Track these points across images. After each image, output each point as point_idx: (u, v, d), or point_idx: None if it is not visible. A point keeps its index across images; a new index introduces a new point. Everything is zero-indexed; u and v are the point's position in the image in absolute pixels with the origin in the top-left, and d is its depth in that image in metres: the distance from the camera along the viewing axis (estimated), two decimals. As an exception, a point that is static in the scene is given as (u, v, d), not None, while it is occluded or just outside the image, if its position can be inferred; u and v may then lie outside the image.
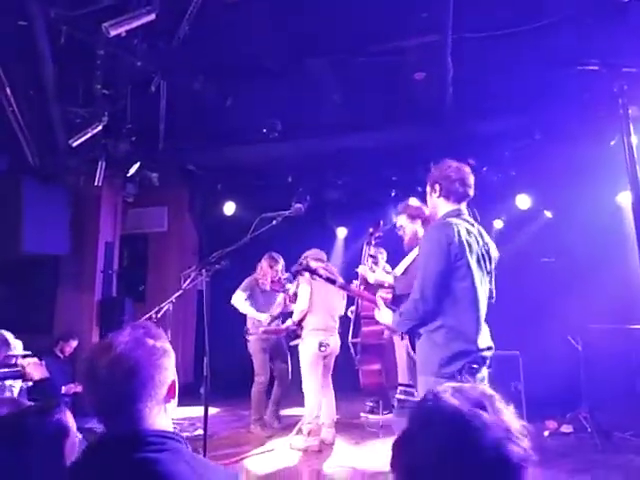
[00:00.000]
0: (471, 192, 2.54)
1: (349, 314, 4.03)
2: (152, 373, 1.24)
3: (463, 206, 2.54)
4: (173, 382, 1.30)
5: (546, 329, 5.82)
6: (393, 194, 6.61)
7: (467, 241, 2.37)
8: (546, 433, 4.89)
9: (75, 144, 4.84)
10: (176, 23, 3.70)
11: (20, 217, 5.55)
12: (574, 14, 3.25)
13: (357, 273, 3.96)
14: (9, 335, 4.05)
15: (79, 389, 5.96)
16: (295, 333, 4.89)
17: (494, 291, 2.65)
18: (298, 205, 3.93)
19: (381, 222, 3.75)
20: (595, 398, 4.88)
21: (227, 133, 5.63)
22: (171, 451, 1.19)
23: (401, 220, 3.48)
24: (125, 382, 1.21)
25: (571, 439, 4.74)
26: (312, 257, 4.91)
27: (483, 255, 2.45)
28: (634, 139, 2.39)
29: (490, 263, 2.53)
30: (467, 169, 2.57)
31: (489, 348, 2.41)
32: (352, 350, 3.96)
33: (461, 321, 2.34)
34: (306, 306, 4.71)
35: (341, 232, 8.09)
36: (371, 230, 3.79)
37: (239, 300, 5.53)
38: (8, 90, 4.41)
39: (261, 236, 3.65)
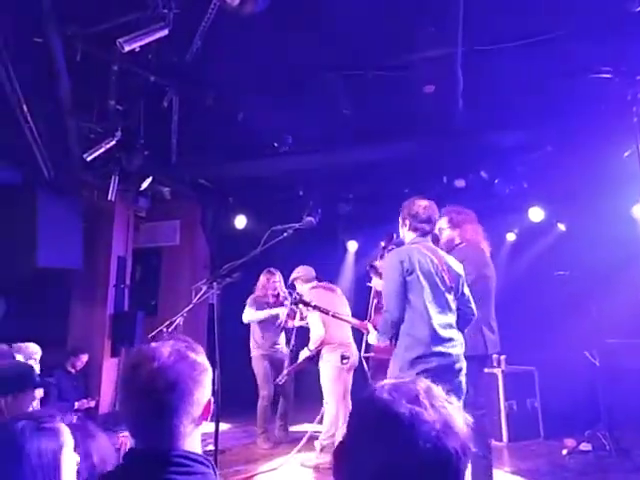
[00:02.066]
0: (435, 228, 3.12)
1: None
2: (192, 388, 1.21)
3: (427, 238, 3.03)
4: (209, 402, 1.27)
5: (562, 344, 5.72)
6: (404, 207, 6.58)
7: (418, 260, 2.81)
8: (564, 452, 4.77)
9: (89, 158, 4.90)
10: (189, 38, 3.75)
11: (34, 231, 5.60)
12: (586, 25, 3.24)
13: (369, 287, 3.95)
14: (35, 348, 4.14)
15: (92, 404, 5.98)
16: (312, 360, 4.80)
17: (474, 309, 3.02)
18: (309, 218, 3.94)
19: (394, 235, 3.72)
20: (614, 415, 4.77)
21: (239, 147, 5.67)
22: (198, 475, 1.16)
23: (441, 223, 3.72)
24: (165, 394, 1.18)
25: (590, 458, 4.62)
26: (302, 279, 4.92)
27: (436, 272, 2.85)
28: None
29: (450, 280, 2.90)
30: (434, 207, 3.06)
31: (450, 355, 2.75)
32: (365, 365, 3.94)
33: (417, 329, 2.74)
34: (323, 332, 4.62)
35: (352, 246, 8.07)
36: (383, 244, 3.80)
37: (250, 313, 5.59)
38: (25, 107, 4.50)
39: (272, 249, 3.64)
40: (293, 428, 5.83)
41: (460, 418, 0.85)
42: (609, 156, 4.75)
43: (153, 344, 1.27)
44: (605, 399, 4.81)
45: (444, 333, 2.77)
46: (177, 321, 4.24)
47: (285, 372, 5.27)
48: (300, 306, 4.80)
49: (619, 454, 4.40)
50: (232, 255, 3.92)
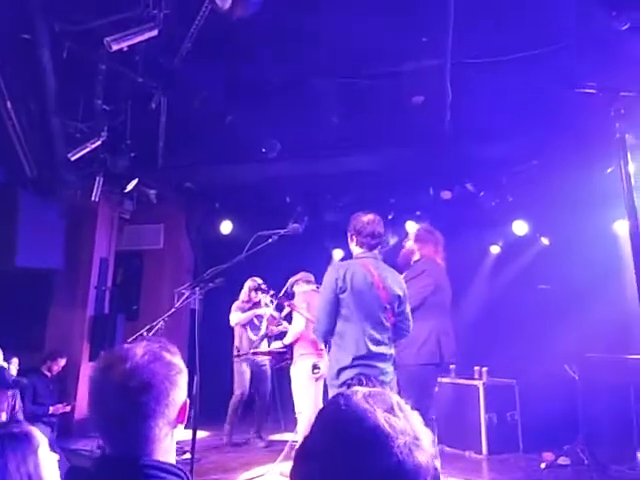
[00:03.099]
0: (381, 241, 3.23)
1: None
2: (168, 389, 1.18)
3: (375, 252, 3.18)
4: (185, 404, 1.23)
5: (543, 357, 5.74)
6: (391, 217, 6.61)
7: (352, 278, 2.97)
8: (543, 465, 4.77)
9: (74, 158, 4.83)
10: (178, 40, 3.73)
11: (14, 230, 5.50)
12: (572, 41, 3.30)
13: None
14: None
15: (67, 409, 5.84)
16: (283, 357, 4.79)
17: (409, 325, 3.20)
18: (295, 225, 3.93)
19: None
20: (592, 429, 4.79)
21: (226, 152, 5.65)
22: None
23: (409, 237, 4.07)
24: (139, 395, 1.14)
25: (568, 472, 4.63)
26: (304, 279, 4.91)
27: (371, 289, 3.00)
28: (631, 167, 2.38)
29: (385, 300, 3.04)
30: (378, 221, 3.19)
31: (376, 367, 2.92)
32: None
33: (347, 341, 2.93)
34: (303, 328, 4.62)
35: (337, 254, 8.05)
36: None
37: (237, 315, 5.82)
38: (9, 103, 4.43)
39: (257, 255, 3.61)
40: (274, 437, 5.78)
41: (425, 433, 0.86)
42: (592, 172, 4.82)
43: (126, 345, 1.23)
44: (584, 413, 4.83)
45: (374, 348, 2.94)
46: (158, 325, 4.18)
47: (251, 351, 5.43)
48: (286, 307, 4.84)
49: (597, 469, 4.41)
50: (216, 260, 3.89)
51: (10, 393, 2.25)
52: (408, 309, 3.20)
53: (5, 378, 2.32)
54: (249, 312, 5.82)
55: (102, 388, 1.18)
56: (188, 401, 1.25)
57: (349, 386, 2.78)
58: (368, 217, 3.19)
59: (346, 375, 2.84)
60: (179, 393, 1.21)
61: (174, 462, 1.22)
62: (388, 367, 3.02)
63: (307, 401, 4.52)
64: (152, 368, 1.17)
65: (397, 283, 3.17)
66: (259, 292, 5.71)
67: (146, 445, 1.15)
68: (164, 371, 1.19)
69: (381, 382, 2.91)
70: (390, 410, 0.84)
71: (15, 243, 5.50)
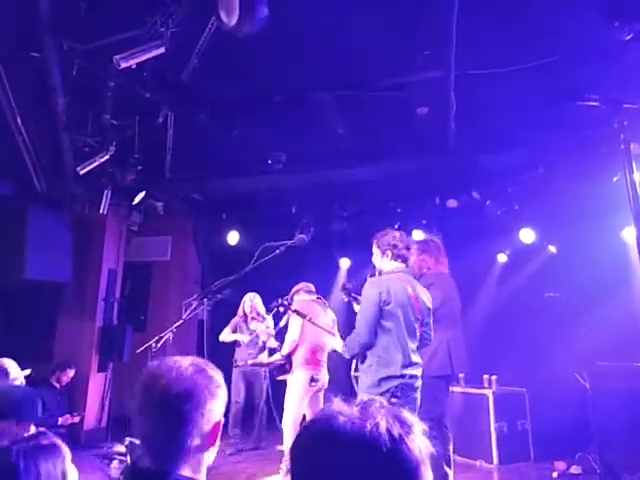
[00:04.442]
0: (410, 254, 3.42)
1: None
2: (207, 399, 1.23)
3: (406, 266, 3.34)
4: (218, 423, 1.26)
5: (552, 366, 5.71)
6: (397, 226, 6.61)
7: (395, 291, 3.10)
8: (555, 474, 4.74)
9: (82, 172, 4.89)
10: (185, 57, 3.78)
11: (24, 243, 5.56)
12: (576, 52, 3.32)
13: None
14: (11, 364, 3.97)
15: (76, 420, 5.86)
16: (282, 368, 4.76)
17: (431, 335, 3.36)
18: (301, 235, 3.96)
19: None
20: (604, 438, 4.74)
21: (233, 164, 5.69)
22: None
23: (413, 249, 3.96)
24: (179, 403, 1.19)
25: (580, 481, 4.59)
26: (305, 290, 4.90)
27: (409, 302, 3.16)
28: (636, 176, 2.39)
29: (418, 312, 3.22)
30: (405, 235, 3.40)
31: (413, 376, 3.10)
32: (354, 383, 3.96)
33: (389, 352, 3.05)
34: (297, 337, 4.59)
35: (344, 263, 8.06)
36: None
37: (225, 334, 6.10)
38: (19, 119, 4.49)
39: (264, 266, 3.64)
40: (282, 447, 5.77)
41: (418, 427, 0.82)
42: (599, 180, 4.81)
43: (174, 358, 1.30)
44: (596, 422, 4.79)
45: (413, 358, 3.13)
46: (166, 337, 4.19)
47: (250, 362, 5.54)
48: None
49: (609, 477, 4.37)
50: (224, 271, 3.91)
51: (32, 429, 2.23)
52: (431, 320, 3.38)
53: (34, 411, 2.29)
54: (235, 335, 6.07)
55: (146, 397, 1.23)
56: (223, 422, 1.28)
57: (393, 394, 2.88)
58: (395, 232, 3.38)
59: (391, 384, 2.99)
60: (216, 406, 1.26)
61: None
62: (419, 374, 3.20)
63: (296, 413, 4.43)
64: (194, 378, 1.24)
65: (426, 296, 3.36)
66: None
67: (177, 457, 1.19)
68: (205, 382, 1.25)
69: (417, 388, 3.15)
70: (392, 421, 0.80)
71: (24, 256, 5.55)
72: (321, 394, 4.67)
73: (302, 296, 4.82)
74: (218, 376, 1.31)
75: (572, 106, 2.28)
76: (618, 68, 3.30)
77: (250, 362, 5.55)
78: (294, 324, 4.64)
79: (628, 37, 3.11)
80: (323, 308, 4.90)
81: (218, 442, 1.27)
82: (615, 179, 4.24)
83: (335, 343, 3.70)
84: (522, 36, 3.54)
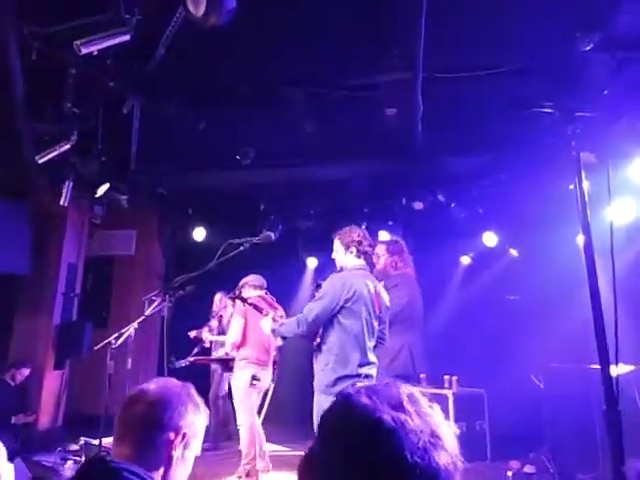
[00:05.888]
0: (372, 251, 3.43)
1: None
2: (176, 403, 1.33)
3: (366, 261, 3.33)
4: (185, 433, 1.33)
5: (511, 367, 5.84)
6: (364, 226, 6.65)
7: (358, 288, 3.07)
8: (509, 473, 4.83)
9: (42, 161, 4.72)
10: (152, 46, 3.70)
11: (-22, 234, 5.35)
12: (538, 60, 3.40)
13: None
14: None
15: (30, 419, 5.66)
16: (227, 364, 4.71)
17: (387, 334, 3.34)
18: (268, 232, 3.92)
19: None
20: (557, 438, 4.88)
21: (200, 158, 5.61)
22: None
23: (379, 249, 4.10)
24: (149, 405, 1.31)
25: (533, 480, 4.70)
26: (251, 284, 4.80)
27: (370, 299, 3.13)
28: (585, 185, 2.47)
29: (379, 309, 3.21)
30: (367, 233, 3.40)
31: (369, 375, 3.06)
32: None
33: (347, 350, 3.00)
34: (237, 339, 4.52)
35: (312, 262, 8.05)
36: None
37: (205, 336, 6.26)
38: (-25, 104, 4.31)
39: (231, 263, 3.59)
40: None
41: (447, 428, 0.77)
42: (557, 186, 4.95)
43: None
44: (549, 422, 4.92)
45: (369, 357, 3.10)
46: (127, 333, 4.09)
47: (191, 358, 5.50)
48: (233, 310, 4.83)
49: (562, 477, 4.49)
50: (189, 267, 3.85)
51: None
52: (387, 319, 3.38)
53: None
54: (213, 337, 6.25)
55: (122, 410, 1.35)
56: (188, 434, 1.34)
57: None
58: (359, 230, 3.39)
59: (345, 383, 2.92)
60: (186, 416, 1.34)
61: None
62: (374, 373, 3.17)
63: (247, 413, 4.38)
64: (169, 385, 1.39)
65: (385, 294, 3.36)
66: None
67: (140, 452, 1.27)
68: (178, 389, 1.38)
69: None
70: (398, 407, 0.74)
71: (-22, 247, 5.34)
72: (262, 394, 4.57)
73: (248, 291, 4.67)
74: (195, 395, 1.42)
75: (531, 113, 2.33)
76: (575, 77, 3.40)
77: (191, 359, 5.48)
78: (236, 324, 4.56)
79: (588, 47, 3.21)
80: (270, 306, 4.84)
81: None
82: (571, 187, 4.35)
83: (264, 322, 3.49)
84: (489, 42, 3.62)
